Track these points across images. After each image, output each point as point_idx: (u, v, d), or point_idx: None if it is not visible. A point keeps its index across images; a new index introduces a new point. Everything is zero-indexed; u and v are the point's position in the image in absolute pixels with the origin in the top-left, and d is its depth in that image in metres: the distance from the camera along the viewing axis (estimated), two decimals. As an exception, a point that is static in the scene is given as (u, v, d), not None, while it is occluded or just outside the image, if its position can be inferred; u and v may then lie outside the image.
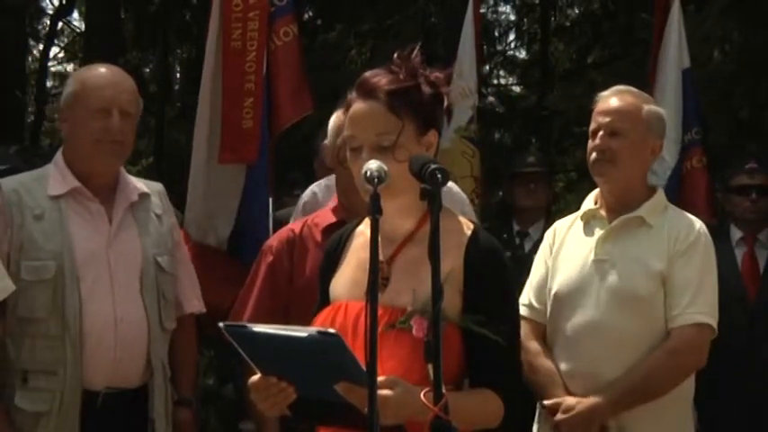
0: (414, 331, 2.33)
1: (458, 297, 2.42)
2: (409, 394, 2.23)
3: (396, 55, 2.48)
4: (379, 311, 2.31)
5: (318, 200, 3.91)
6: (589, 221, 3.35)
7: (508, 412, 2.44)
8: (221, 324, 2.26)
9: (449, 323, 2.35)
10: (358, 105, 2.44)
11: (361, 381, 2.14)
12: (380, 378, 2.20)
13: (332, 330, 2.18)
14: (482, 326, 2.38)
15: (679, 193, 5.08)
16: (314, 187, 4.04)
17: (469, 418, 2.39)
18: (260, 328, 2.26)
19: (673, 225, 3.26)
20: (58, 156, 3.36)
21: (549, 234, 3.47)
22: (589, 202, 3.41)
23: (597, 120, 3.32)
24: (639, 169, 3.34)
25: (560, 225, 3.45)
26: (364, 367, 2.13)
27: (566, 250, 3.35)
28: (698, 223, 3.30)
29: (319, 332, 2.17)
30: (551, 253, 3.38)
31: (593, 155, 3.31)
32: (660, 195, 3.35)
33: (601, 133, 3.29)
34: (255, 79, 4.82)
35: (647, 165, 3.37)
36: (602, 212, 3.33)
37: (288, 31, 5.03)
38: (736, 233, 4.74)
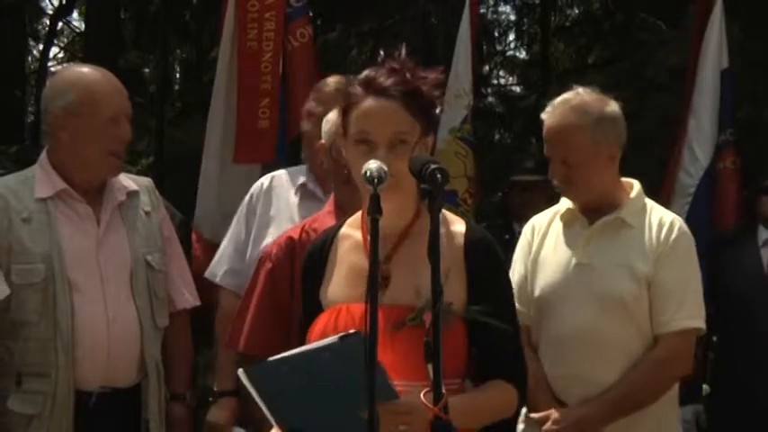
0: (427, 326, 2.33)
1: (462, 290, 2.45)
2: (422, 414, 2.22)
3: (384, 55, 2.50)
4: (384, 311, 2.33)
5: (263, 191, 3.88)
6: (569, 222, 3.30)
7: (521, 398, 2.50)
8: (240, 371, 2.25)
9: (455, 317, 2.38)
10: (371, 103, 2.44)
11: (385, 391, 2.15)
12: (400, 401, 2.23)
13: (353, 330, 2.19)
14: (488, 316, 2.41)
15: (712, 194, 5.07)
16: (264, 180, 3.97)
17: (485, 417, 2.45)
18: (276, 357, 2.24)
19: (653, 224, 3.22)
20: (44, 158, 3.33)
21: (527, 231, 3.40)
22: (567, 201, 3.35)
23: (546, 145, 3.24)
24: (602, 178, 3.25)
25: (538, 222, 3.39)
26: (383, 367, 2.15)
27: (546, 251, 3.30)
28: (678, 221, 3.27)
29: (341, 337, 2.17)
30: (530, 253, 3.33)
31: (555, 181, 3.27)
32: (638, 193, 3.29)
33: (553, 161, 3.23)
34: (272, 80, 4.83)
35: (610, 169, 3.27)
36: (580, 214, 3.28)
37: (304, 33, 5.06)
38: (763, 233, 4.75)
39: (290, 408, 2.28)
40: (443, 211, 2.53)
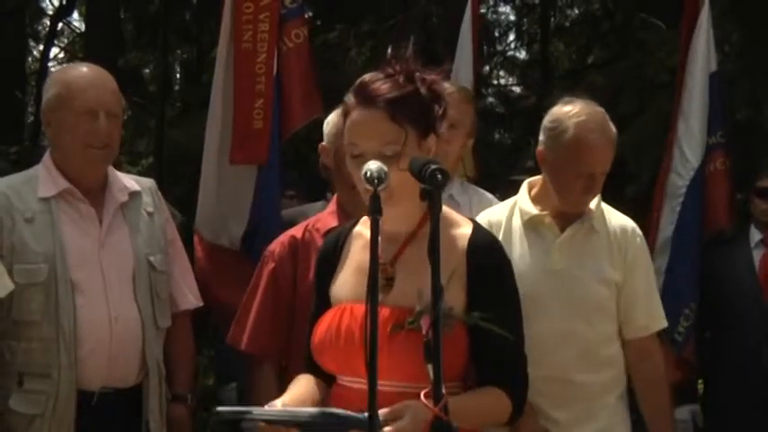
0: (423, 331, 2.33)
1: (462, 294, 2.44)
2: (419, 415, 2.23)
3: (389, 54, 2.49)
4: (386, 312, 2.35)
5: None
6: (536, 227, 3.30)
7: (515, 409, 2.48)
8: (218, 409, 2.26)
9: (456, 321, 2.37)
10: (359, 114, 2.44)
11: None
12: (389, 409, 2.23)
13: (336, 411, 2.20)
14: (489, 323, 2.39)
15: (702, 195, 5.09)
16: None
17: (477, 421, 2.45)
18: (260, 411, 2.25)
19: (617, 230, 3.30)
20: (47, 157, 3.34)
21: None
22: (527, 203, 3.33)
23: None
24: None
25: (495, 219, 3.35)
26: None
27: (513, 255, 3.21)
28: (636, 226, 3.36)
29: (323, 413, 2.19)
30: None
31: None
32: (599, 200, 3.34)
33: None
34: (266, 80, 4.84)
35: None
36: (549, 219, 3.29)
37: (299, 33, 5.06)
38: (755, 235, 4.79)
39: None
40: (452, 213, 2.55)
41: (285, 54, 4.99)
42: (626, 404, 3.39)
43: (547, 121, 3.29)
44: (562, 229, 3.28)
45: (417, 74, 2.46)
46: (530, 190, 3.37)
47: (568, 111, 3.26)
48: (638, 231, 3.35)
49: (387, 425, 2.21)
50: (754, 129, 7.19)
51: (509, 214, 3.36)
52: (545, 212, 3.29)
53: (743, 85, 7.05)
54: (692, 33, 5.20)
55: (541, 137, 3.31)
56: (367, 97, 2.43)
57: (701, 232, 4.99)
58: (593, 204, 3.31)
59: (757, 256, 4.75)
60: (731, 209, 5.19)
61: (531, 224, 3.31)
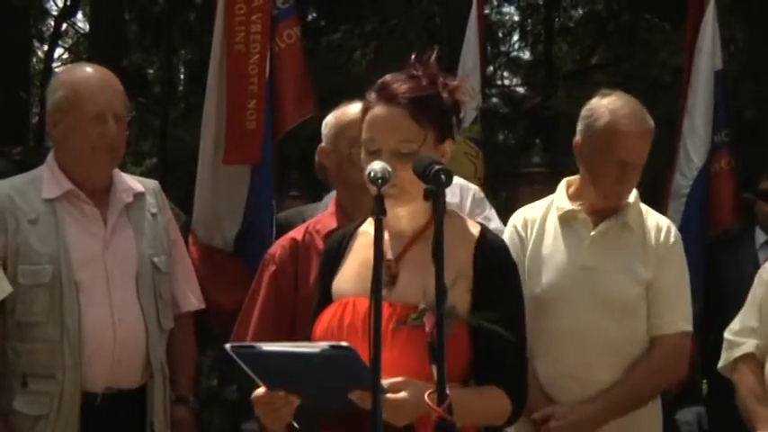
0: (426, 328, 2.33)
1: (468, 295, 2.44)
2: (421, 393, 2.23)
3: (413, 57, 2.49)
4: (388, 308, 2.34)
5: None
6: (569, 222, 3.30)
7: (515, 410, 2.48)
8: (228, 345, 2.25)
9: (460, 321, 2.37)
10: (380, 110, 2.44)
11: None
12: (392, 380, 2.23)
13: (344, 344, 2.18)
14: (493, 323, 2.39)
15: (706, 195, 5.08)
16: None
17: (476, 417, 2.44)
18: (269, 347, 2.25)
19: (652, 229, 3.28)
20: (50, 158, 3.34)
21: (517, 224, 3.36)
22: (564, 199, 3.33)
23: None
24: None
25: (530, 216, 3.36)
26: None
27: (546, 250, 3.29)
28: (673, 226, 3.34)
29: (332, 346, 2.17)
30: (526, 249, 3.31)
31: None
32: (636, 197, 3.32)
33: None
34: (258, 81, 4.84)
35: None
36: (584, 215, 3.28)
37: (291, 34, 5.07)
38: (760, 236, 4.77)
39: (277, 378, 2.29)
40: (461, 214, 2.56)
41: (277, 55, 5.01)
42: (658, 406, 3.34)
43: (583, 111, 3.31)
44: (596, 225, 3.27)
45: (440, 78, 2.47)
46: (567, 188, 3.37)
47: (603, 100, 3.27)
48: (674, 230, 3.31)
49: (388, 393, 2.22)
50: (759, 128, 7.19)
51: (545, 212, 3.36)
52: (580, 208, 3.29)
53: (747, 85, 7.04)
54: (696, 33, 5.20)
55: (579, 127, 3.31)
56: (389, 95, 2.43)
57: (704, 233, 4.98)
58: (630, 200, 3.28)
59: (762, 257, 4.73)
60: (736, 209, 5.17)
61: (565, 219, 3.30)
